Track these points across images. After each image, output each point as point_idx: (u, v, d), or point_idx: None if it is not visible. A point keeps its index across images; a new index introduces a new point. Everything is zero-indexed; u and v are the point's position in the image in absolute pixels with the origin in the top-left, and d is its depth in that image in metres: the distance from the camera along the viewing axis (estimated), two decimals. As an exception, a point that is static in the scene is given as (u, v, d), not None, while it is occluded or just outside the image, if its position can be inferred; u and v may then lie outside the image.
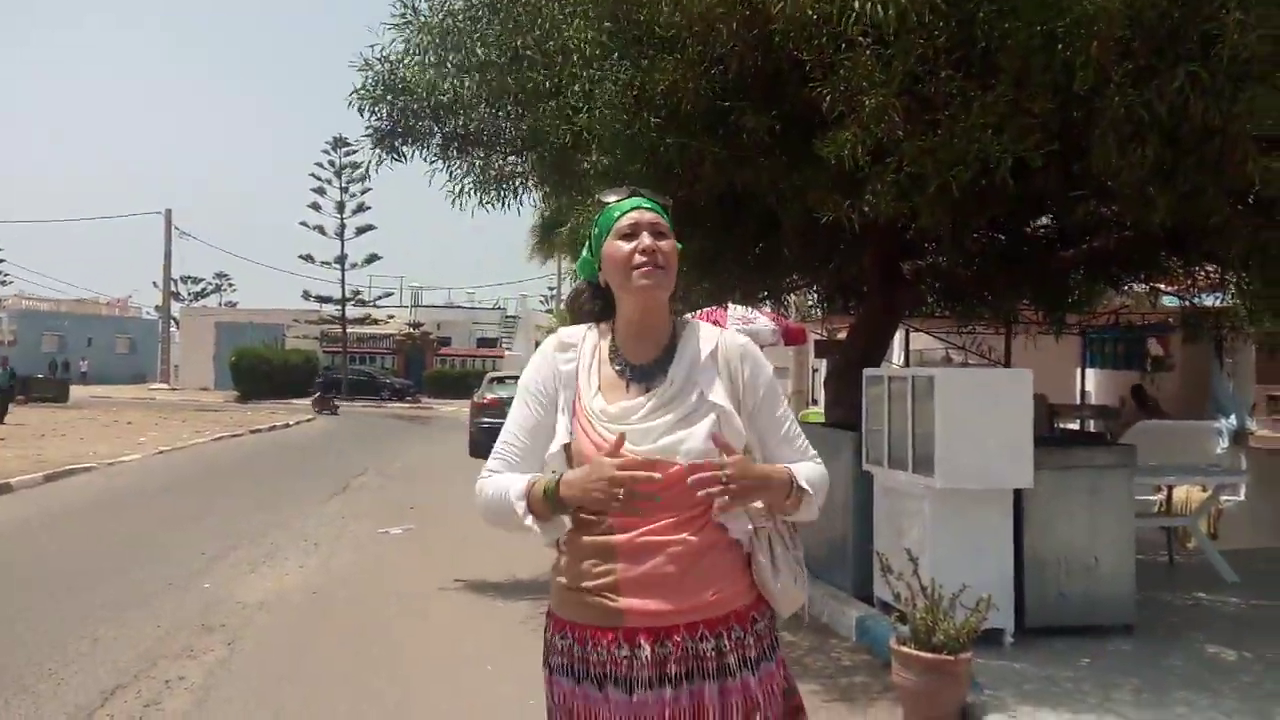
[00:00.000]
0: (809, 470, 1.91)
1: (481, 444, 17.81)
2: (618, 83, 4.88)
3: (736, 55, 4.80)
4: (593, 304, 1.97)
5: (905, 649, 4.18)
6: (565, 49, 5.16)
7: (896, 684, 4.26)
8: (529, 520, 1.80)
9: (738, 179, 5.62)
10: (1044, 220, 7.17)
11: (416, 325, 45.33)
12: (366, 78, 6.03)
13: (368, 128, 6.23)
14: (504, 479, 1.87)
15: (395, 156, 6.27)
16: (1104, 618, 5.39)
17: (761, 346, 13.00)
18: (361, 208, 38.52)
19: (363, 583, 7.18)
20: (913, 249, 7.37)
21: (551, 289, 44.30)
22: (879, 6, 4.16)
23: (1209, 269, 7.16)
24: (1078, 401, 13.06)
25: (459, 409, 26.01)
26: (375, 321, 41.21)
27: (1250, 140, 4.41)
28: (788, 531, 1.95)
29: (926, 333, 11.87)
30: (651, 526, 1.80)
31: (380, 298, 43.16)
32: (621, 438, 1.77)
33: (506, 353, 47.21)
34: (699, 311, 11.83)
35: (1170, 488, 7.90)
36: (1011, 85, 4.45)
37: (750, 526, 1.88)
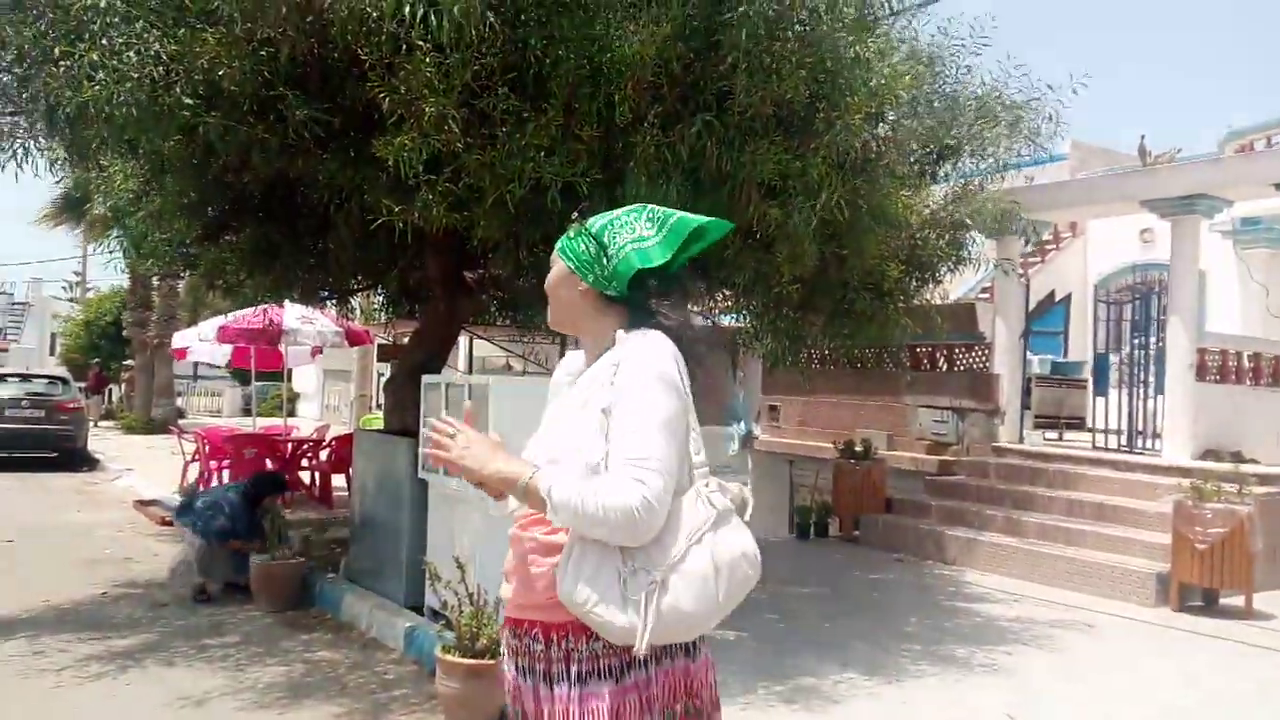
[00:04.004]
0: (570, 485, 1.76)
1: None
2: (145, 50, 4.34)
3: (288, 40, 4.51)
4: None
5: (448, 656, 4.19)
6: (84, 4, 4.47)
7: (440, 693, 4.26)
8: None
9: (290, 170, 5.31)
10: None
11: (-115, 308, 36.84)
12: None
13: None
14: None
15: None
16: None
17: (324, 347, 12.50)
18: None
19: None
20: (475, 258, 7.51)
21: (77, 273, 38.23)
22: (433, 15, 4.18)
23: (726, 293, 8.21)
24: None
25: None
26: None
27: (755, 187, 5.12)
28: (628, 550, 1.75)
29: (489, 340, 12.22)
30: (521, 521, 1.91)
31: None
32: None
33: (13, 345, 39.99)
34: (257, 308, 10.97)
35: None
36: (562, 111, 4.72)
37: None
